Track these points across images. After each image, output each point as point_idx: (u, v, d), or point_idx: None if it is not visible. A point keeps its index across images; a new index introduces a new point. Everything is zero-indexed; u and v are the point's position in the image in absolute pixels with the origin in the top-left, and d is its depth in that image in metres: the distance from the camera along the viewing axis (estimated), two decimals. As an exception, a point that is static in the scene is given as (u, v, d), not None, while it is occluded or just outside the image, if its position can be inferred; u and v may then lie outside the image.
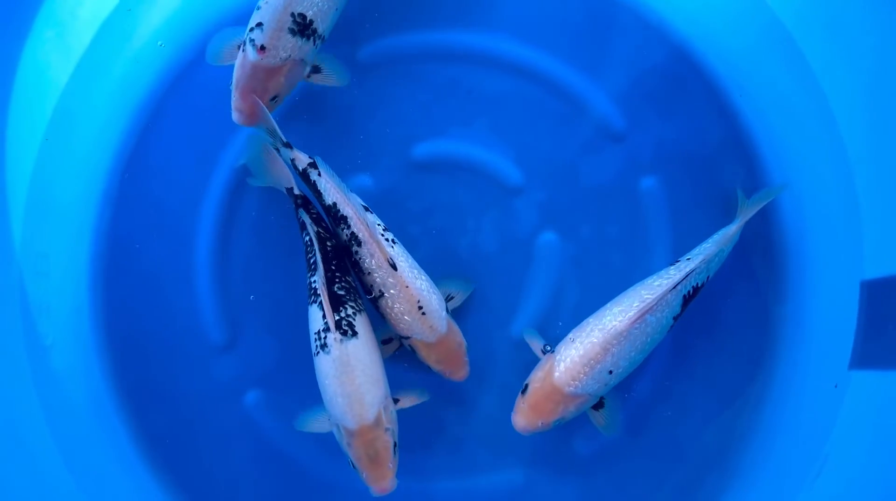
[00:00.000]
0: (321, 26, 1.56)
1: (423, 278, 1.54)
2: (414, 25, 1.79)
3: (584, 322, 1.53)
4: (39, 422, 1.66)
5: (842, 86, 1.69)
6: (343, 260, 1.58)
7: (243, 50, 1.54)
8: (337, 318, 1.46)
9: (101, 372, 1.74)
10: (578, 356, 1.46)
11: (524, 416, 1.48)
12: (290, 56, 1.53)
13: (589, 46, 1.80)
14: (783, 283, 1.74)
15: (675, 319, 1.51)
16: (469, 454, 1.72)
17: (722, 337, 1.74)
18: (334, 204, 1.54)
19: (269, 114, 1.53)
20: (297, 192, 1.62)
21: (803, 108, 1.75)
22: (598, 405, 1.56)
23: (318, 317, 1.49)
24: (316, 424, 1.53)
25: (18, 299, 1.69)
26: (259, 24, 1.51)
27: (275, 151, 1.60)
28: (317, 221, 1.59)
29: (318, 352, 1.47)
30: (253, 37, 1.52)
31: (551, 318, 1.74)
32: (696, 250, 1.57)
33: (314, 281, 1.51)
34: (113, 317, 1.75)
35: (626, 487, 1.72)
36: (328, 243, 1.57)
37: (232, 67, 1.56)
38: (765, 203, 1.64)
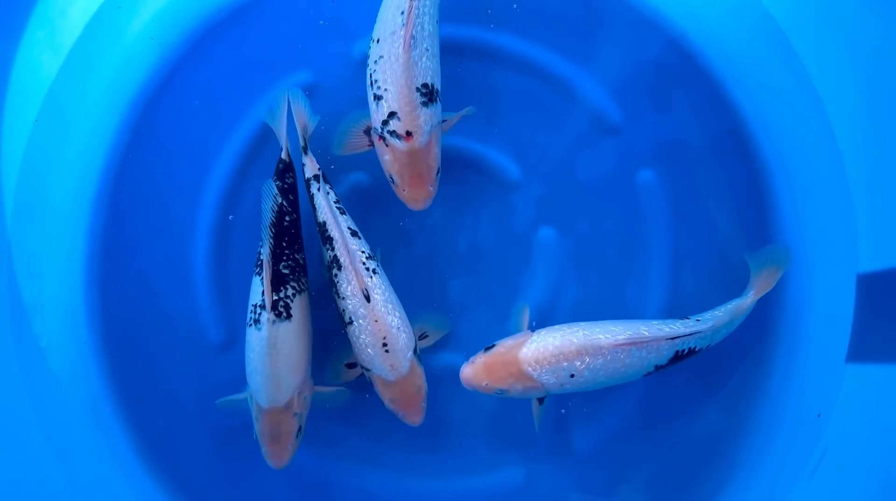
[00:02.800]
0: (437, 82, 1.55)
1: (397, 314, 1.52)
2: (409, 19, 1.77)
3: (577, 323, 1.53)
4: (33, 426, 1.65)
5: (834, 77, 1.68)
6: (299, 237, 1.59)
7: (386, 143, 1.51)
8: (275, 298, 1.48)
9: (98, 374, 1.73)
10: (553, 345, 1.46)
11: (474, 370, 1.49)
12: (432, 126, 1.52)
13: (585, 39, 1.79)
14: (782, 280, 1.70)
15: (656, 368, 1.50)
16: (469, 452, 1.72)
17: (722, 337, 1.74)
18: (324, 223, 1.55)
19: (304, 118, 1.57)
20: (283, 156, 1.61)
21: (799, 99, 1.74)
22: (541, 400, 1.58)
23: (258, 291, 1.51)
24: (235, 396, 1.57)
25: (10, 301, 1.67)
26: (392, 114, 1.49)
27: (289, 108, 1.62)
28: (285, 191, 1.59)
29: (251, 324, 1.50)
30: (393, 128, 1.50)
31: (550, 313, 1.74)
32: (708, 315, 1.55)
33: (261, 254, 1.52)
34: (109, 318, 1.74)
35: (627, 482, 1.72)
36: (286, 218, 1.57)
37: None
38: (779, 274, 1.61)
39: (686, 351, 1.50)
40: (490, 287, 1.74)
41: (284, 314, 1.48)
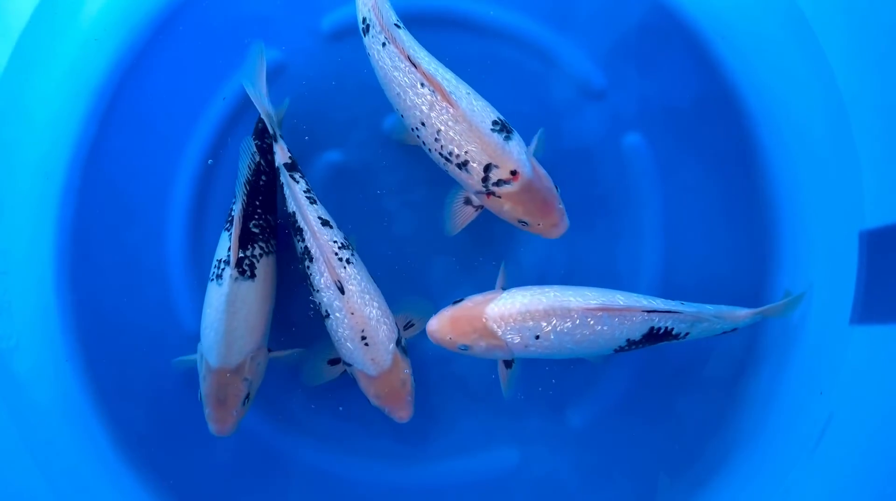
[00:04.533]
0: (495, 112, 1.48)
1: (376, 304, 1.48)
2: (378, -11, 1.72)
3: (551, 286, 1.47)
4: (9, 428, 1.59)
5: (832, 24, 1.61)
6: (273, 196, 1.58)
7: (498, 195, 1.44)
8: (241, 255, 1.46)
9: (74, 374, 1.68)
10: (521, 303, 1.41)
11: (439, 323, 1.44)
12: (525, 152, 1.46)
13: (564, 3, 1.74)
14: (778, 239, 1.69)
15: (628, 342, 1.43)
16: (463, 434, 1.68)
17: (717, 300, 1.67)
18: (293, 213, 1.51)
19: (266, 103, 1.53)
20: (262, 115, 1.57)
21: (791, 52, 1.68)
22: (509, 364, 1.53)
23: (224, 246, 1.49)
24: (191, 356, 1.54)
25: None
26: (487, 167, 1.42)
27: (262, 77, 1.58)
28: (264, 150, 1.57)
29: (213, 279, 1.48)
30: (496, 178, 1.43)
31: (539, 284, 1.68)
32: (696, 304, 1.47)
33: (233, 210, 1.51)
34: (83, 315, 1.69)
35: (625, 459, 1.67)
36: (263, 177, 1.55)
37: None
38: (789, 309, 1.54)
39: (662, 331, 1.43)
40: (476, 262, 1.70)
41: (248, 272, 1.47)
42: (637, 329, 1.42)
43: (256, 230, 1.51)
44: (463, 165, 1.44)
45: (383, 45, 1.47)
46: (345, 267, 1.47)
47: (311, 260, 1.48)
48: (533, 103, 1.73)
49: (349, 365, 1.49)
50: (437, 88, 1.43)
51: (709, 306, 1.47)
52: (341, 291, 1.45)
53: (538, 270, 1.70)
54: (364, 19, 1.51)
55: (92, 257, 1.70)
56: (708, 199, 1.71)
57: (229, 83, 1.72)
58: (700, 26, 1.73)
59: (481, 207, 1.51)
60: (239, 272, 1.45)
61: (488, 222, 1.68)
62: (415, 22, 1.71)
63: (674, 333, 1.44)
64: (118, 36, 1.72)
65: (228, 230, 1.50)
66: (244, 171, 1.52)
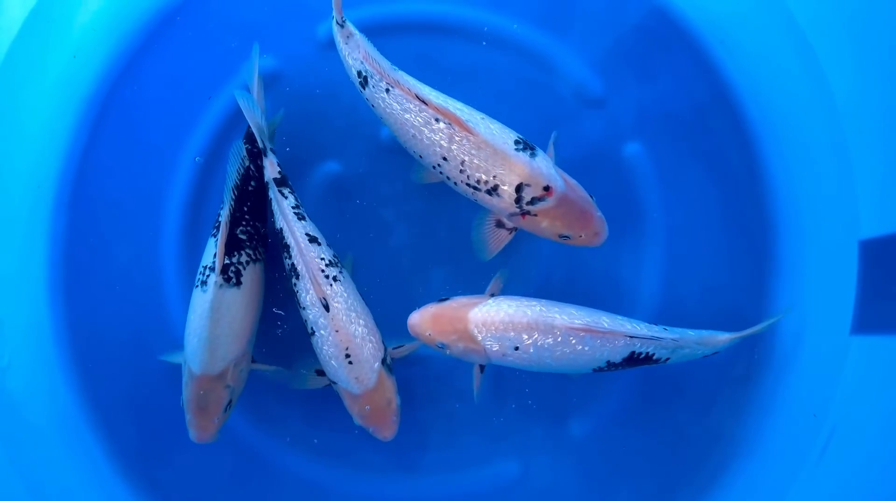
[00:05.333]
0: (514, 132, 1.47)
1: (362, 322, 1.46)
2: (375, -3, 1.70)
3: (540, 299, 1.46)
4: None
5: (828, 33, 1.61)
6: (262, 203, 1.55)
7: (533, 213, 1.42)
8: (227, 262, 1.44)
9: (68, 388, 1.66)
10: (505, 313, 1.41)
11: (421, 318, 1.44)
12: (553, 166, 1.44)
13: (559, 8, 1.73)
14: (777, 248, 1.68)
15: (607, 364, 1.43)
16: (463, 445, 1.67)
17: (718, 310, 1.68)
18: (281, 230, 1.49)
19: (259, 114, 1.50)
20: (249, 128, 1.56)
21: (789, 60, 1.67)
22: (483, 369, 1.53)
23: (210, 252, 1.48)
24: (177, 354, 1.54)
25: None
26: (519, 188, 1.40)
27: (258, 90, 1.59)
28: (254, 155, 1.54)
29: (198, 285, 1.47)
30: (529, 197, 1.40)
31: (540, 293, 1.66)
32: (678, 330, 1.47)
33: (220, 215, 1.49)
34: (76, 329, 1.67)
35: (626, 470, 1.67)
36: (252, 183, 1.53)
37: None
38: (765, 326, 1.51)
39: (643, 356, 1.43)
40: (473, 273, 1.68)
41: (234, 280, 1.45)
42: (618, 352, 1.41)
43: (244, 237, 1.49)
44: (493, 190, 1.42)
45: (387, 91, 1.44)
46: (331, 285, 1.45)
47: (297, 277, 1.46)
48: (531, 112, 1.72)
49: (334, 383, 1.48)
50: (452, 120, 1.40)
51: (690, 332, 1.46)
52: (326, 308, 1.43)
53: (540, 278, 1.69)
54: (360, 73, 1.47)
55: (84, 271, 1.68)
56: (707, 207, 1.70)
57: (222, 91, 1.70)
58: (699, 33, 1.72)
59: (515, 229, 1.50)
60: (224, 279, 1.43)
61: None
62: (412, 31, 1.72)
63: (654, 358, 1.44)
64: (108, 45, 1.70)
65: (215, 236, 1.48)
66: (233, 175, 1.50)
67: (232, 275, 1.45)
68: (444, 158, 1.43)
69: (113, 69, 1.70)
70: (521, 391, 1.66)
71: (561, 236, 1.45)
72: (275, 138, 1.62)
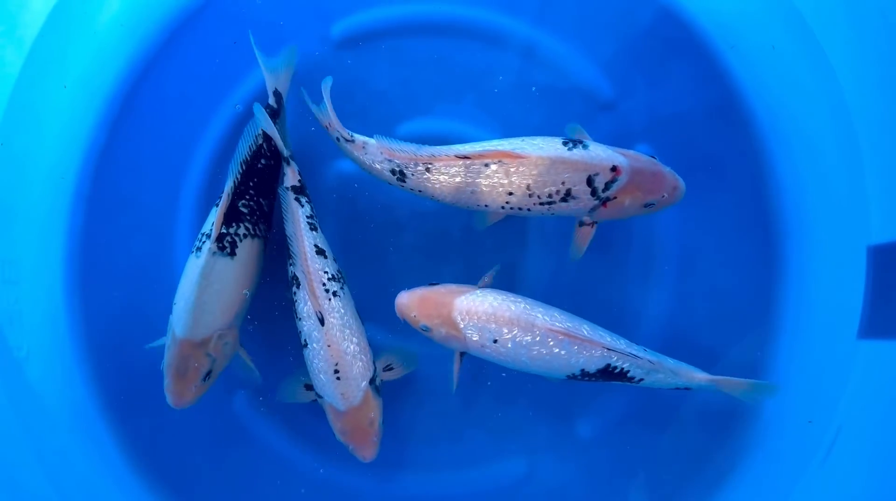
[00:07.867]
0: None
1: (355, 340, 1.47)
2: (390, -2, 1.72)
3: (526, 298, 1.48)
4: (19, 440, 1.59)
5: (840, 38, 1.62)
6: (271, 186, 1.55)
7: (615, 197, 1.44)
8: (224, 231, 1.44)
9: (83, 380, 1.68)
10: (489, 305, 1.44)
11: (409, 299, 1.47)
12: (611, 148, 1.47)
13: (573, 13, 1.74)
14: (785, 252, 1.69)
15: (582, 373, 1.44)
16: (470, 443, 1.68)
17: (724, 311, 1.69)
18: (290, 236, 1.50)
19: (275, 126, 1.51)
20: (270, 102, 1.57)
21: (800, 65, 1.68)
22: (461, 358, 1.54)
23: (210, 220, 1.48)
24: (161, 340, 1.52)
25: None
26: (590, 179, 1.42)
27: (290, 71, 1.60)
28: (267, 137, 1.54)
29: (193, 251, 1.47)
30: (605, 180, 1.42)
31: (548, 296, 1.67)
32: (658, 355, 1.47)
33: (225, 187, 1.49)
34: (92, 322, 1.69)
35: (633, 469, 1.68)
36: (262, 161, 1.53)
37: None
38: (747, 393, 1.48)
39: (618, 371, 1.44)
40: (485, 272, 1.68)
41: (228, 249, 1.45)
42: (594, 363, 1.43)
43: (245, 210, 1.49)
44: (567, 195, 1.43)
45: (427, 170, 1.46)
46: (329, 299, 1.46)
47: (298, 286, 1.47)
48: (541, 115, 1.73)
49: (320, 397, 1.48)
50: (500, 156, 1.42)
51: (669, 360, 1.47)
52: (321, 322, 1.44)
53: (549, 279, 1.70)
54: (393, 171, 1.49)
55: (101, 265, 1.70)
56: (716, 211, 1.71)
57: (240, 90, 1.72)
58: (710, 37, 1.72)
59: (594, 223, 1.51)
60: (218, 247, 1.44)
61: (497, 232, 1.69)
62: (421, 32, 1.73)
63: (629, 375, 1.45)
64: (130, 44, 1.72)
65: (217, 205, 1.49)
66: (244, 150, 1.51)
67: (227, 244, 1.45)
68: (510, 193, 1.44)
69: (134, 67, 1.72)
70: (529, 390, 1.67)
71: (646, 205, 1.46)
72: (285, 113, 1.62)
